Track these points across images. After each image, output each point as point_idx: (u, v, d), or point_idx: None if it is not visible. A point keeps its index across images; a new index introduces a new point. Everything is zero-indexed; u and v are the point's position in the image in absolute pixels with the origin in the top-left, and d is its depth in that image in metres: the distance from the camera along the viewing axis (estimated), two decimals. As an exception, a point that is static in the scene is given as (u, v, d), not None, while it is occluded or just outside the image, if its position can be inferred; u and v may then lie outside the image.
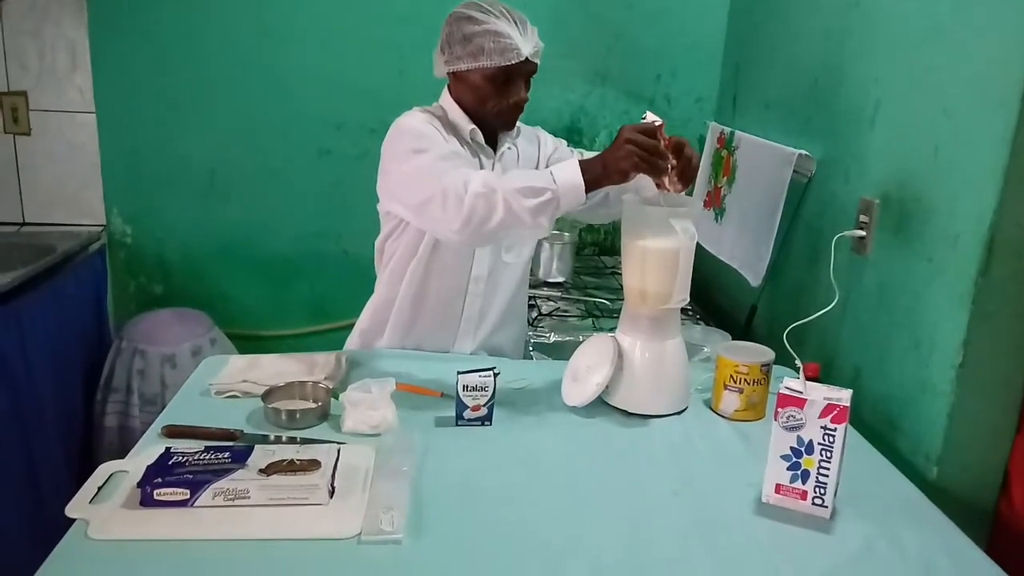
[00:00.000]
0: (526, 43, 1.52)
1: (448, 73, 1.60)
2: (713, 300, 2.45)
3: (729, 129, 2.30)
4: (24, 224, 2.66)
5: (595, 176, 1.38)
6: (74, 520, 1.06)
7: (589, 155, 1.45)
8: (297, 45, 2.62)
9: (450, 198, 1.38)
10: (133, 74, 2.59)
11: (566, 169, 1.39)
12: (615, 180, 1.38)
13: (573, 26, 2.68)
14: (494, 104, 1.57)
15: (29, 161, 2.61)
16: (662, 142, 1.38)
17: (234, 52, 2.61)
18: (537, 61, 1.56)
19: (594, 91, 2.75)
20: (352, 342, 1.79)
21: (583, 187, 1.37)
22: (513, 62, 1.51)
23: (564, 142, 1.81)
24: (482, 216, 1.36)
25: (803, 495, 1.15)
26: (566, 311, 2.28)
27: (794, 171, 1.84)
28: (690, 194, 1.47)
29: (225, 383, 1.46)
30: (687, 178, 1.42)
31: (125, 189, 2.68)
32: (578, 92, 2.75)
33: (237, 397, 1.44)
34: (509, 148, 1.68)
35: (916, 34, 1.49)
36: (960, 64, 1.35)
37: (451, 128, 1.60)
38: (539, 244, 2.36)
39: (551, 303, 2.34)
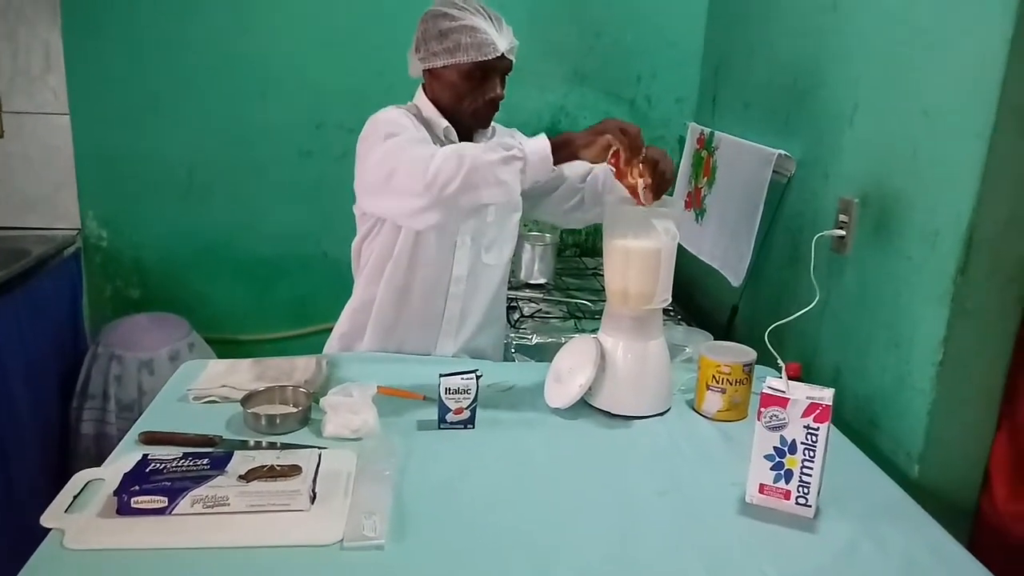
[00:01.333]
0: (502, 39, 1.52)
1: (423, 72, 1.60)
2: (694, 301, 2.46)
3: (709, 130, 2.30)
4: (-3, 228, 2.62)
5: (564, 140, 1.39)
6: (49, 530, 1.04)
7: None
8: (276, 45, 2.59)
9: (417, 164, 1.37)
10: (108, 75, 2.55)
11: (535, 138, 1.40)
12: (583, 145, 1.39)
13: (552, 25, 2.67)
14: (470, 102, 1.57)
15: (2, 164, 2.57)
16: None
17: (211, 52, 2.58)
18: (512, 58, 1.57)
19: (574, 91, 2.75)
20: (331, 346, 1.77)
21: (549, 149, 1.37)
22: (490, 57, 1.51)
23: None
24: (447, 176, 1.34)
25: (787, 495, 1.15)
26: (548, 312, 2.28)
27: (774, 171, 1.85)
28: (670, 195, 1.48)
29: (204, 388, 1.44)
30: (660, 191, 1.44)
31: (100, 192, 2.64)
32: (558, 93, 2.74)
33: (216, 402, 1.42)
34: (483, 148, 1.68)
35: (894, 34, 1.49)
36: (938, 63, 1.36)
37: (425, 125, 1.60)
38: (520, 245, 2.35)
39: (533, 304, 2.33)
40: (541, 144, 1.37)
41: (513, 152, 1.36)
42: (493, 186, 1.36)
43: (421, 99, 1.63)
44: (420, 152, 1.39)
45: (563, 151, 1.39)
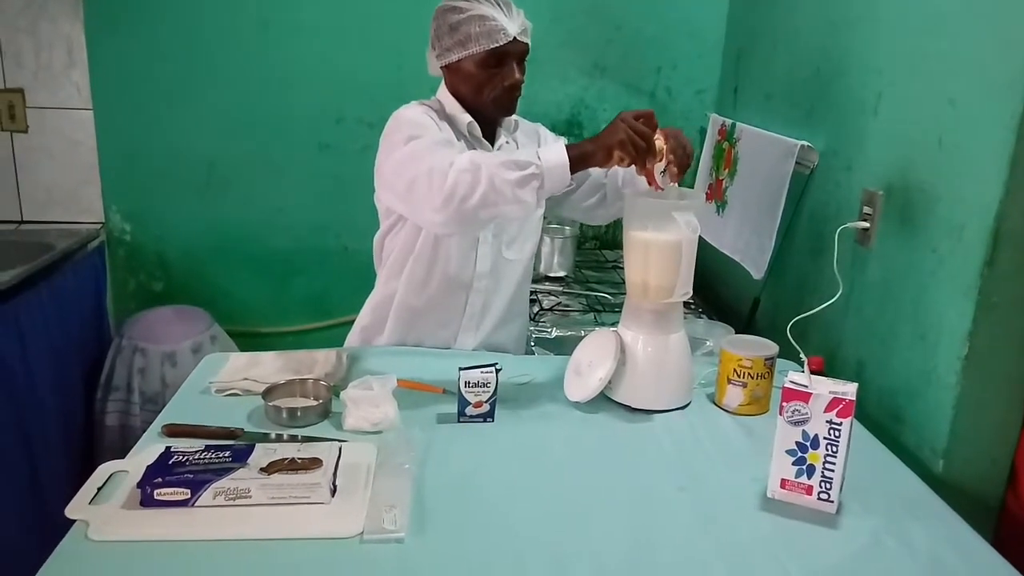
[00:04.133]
0: (512, 23, 1.52)
1: (442, 68, 1.59)
2: (715, 293, 2.44)
3: (730, 121, 2.28)
4: (22, 222, 2.65)
5: (582, 153, 1.38)
6: (74, 521, 1.05)
7: None
8: (295, 39, 2.61)
9: (435, 175, 1.36)
10: (130, 70, 2.58)
11: (552, 147, 1.39)
12: (600, 158, 1.38)
13: (572, 16, 2.66)
14: (490, 90, 1.56)
15: (27, 159, 2.60)
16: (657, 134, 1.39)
17: (232, 47, 2.59)
18: (526, 41, 1.55)
19: (594, 83, 2.74)
20: (353, 339, 1.78)
21: (568, 164, 1.36)
22: (501, 43, 1.51)
23: (565, 139, 1.80)
24: (465, 191, 1.34)
25: (809, 490, 1.14)
26: (568, 306, 2.27)
27: (796, 163, 1.83)
28: (691, 187, 1.47)
29: (225, 381, 1.45)
30: (682, 169, 1.43)
31: (123, 186, 2.67)
32: (578, 84, 2.73)
33: (238, 395, 1.43)
34: (507, 142, 1.67)
35: (918, 22, 1.47)
36: (964, 51, 1.34)
37: (448, 121, 1.59)
38: (540, 238, 2.34)
39: (552, 298, 2.33)
40: (560, 159, 1.36)
41: (530, 171, 1.35)
42: (511, 203, 1.36)
43: (443, 94, 1.62)
44: (439, 162, 1.38)
45: (579, 166, 1.38)
